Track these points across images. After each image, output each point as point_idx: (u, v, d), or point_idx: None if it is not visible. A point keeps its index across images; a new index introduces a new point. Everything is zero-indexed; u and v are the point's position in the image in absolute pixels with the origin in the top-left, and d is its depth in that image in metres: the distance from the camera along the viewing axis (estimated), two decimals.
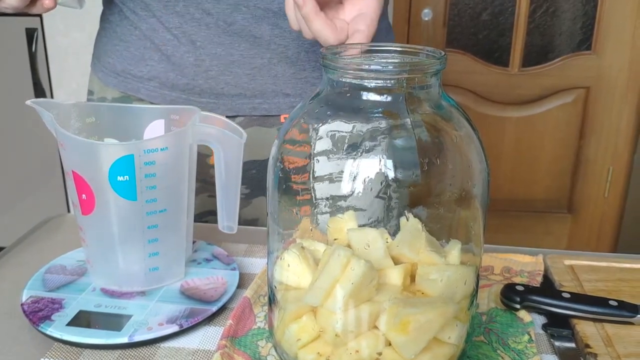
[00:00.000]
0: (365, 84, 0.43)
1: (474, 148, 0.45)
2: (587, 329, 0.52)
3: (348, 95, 0.44)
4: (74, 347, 0.50)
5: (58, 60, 1.94)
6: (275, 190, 0.46)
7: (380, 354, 0.42)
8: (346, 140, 0.43)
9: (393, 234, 0.46)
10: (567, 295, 0.55)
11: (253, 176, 0.79)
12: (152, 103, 0.77)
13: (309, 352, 0.44)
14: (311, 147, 0.44)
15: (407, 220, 0.44)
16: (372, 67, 0.43)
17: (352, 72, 0.43)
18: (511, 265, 0.64)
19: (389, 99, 0.43)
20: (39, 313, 0.53)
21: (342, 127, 0.44)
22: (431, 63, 0.43)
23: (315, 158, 0.44)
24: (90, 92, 0.83)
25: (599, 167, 2.22)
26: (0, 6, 0.62)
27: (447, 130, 0.45)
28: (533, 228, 2.30)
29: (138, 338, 0.50)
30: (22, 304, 0.54)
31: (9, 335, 0.52)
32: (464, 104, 2.14)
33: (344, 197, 0.43)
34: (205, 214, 0.82)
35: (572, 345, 0.52)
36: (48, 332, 0.51)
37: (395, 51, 0.48)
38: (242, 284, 0.60)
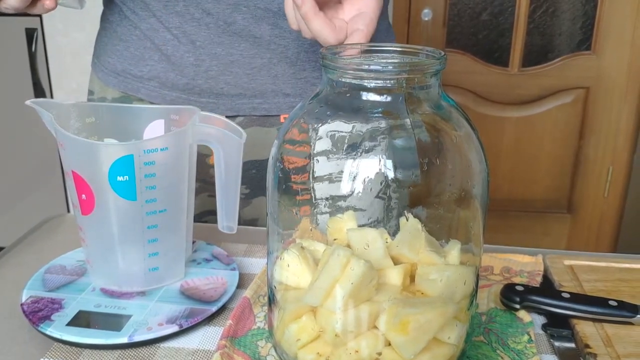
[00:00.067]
0: (365, 84, 0.43)
1: (474, 148, 0.45)
2: (586, 329, 0.52)
3: (348, 95, 0.44)
4: (73, 347, 0.50)
5: (58, 60, 1.94)
6: (275, 190, 0.46)
7: (379, 354, 0.43)
8: (346, 141, 0.43)
9: (393, 234, 0.46)
10: (567, 296, 0.55)
11: (253, 176, 0.79)
12: (152, 103, 0.77)
13: (308, 352, 0.44)
14: (311, 147, 0.44)
15: (407, 220, 0.44)
16: (372, 67, 0.43)
17: (351, 72, 0.43)
18: (511, 266, 0.64)
19: (389, 99, 0.43)
20: (38, 313, 0.53)
21: (341, 127, 0.44)
22: (431, 63, 0.43)
23: (315, 158, 0.44)
24: (90, 92, 0.83)
25: (598, 167, 2.22)
26: (1, 6, 0.62)
27: (447, 130, 0.45)
28: (532, 228, 2.31)
29: (138, 338, 0.50)
30: (21, 304, 0.54)
31: (9, 335, 0.52)
32: (463, 104, 2.14)
33: (344, 197, 0.44)
34: (205, 214, 0.82)
35: (572, 345, 0.52)
36: (48, 332, 0.51)
37: (395, 51, 0.48)
38: (241, 284, 0.60)
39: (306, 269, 0.46)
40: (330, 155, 0.43)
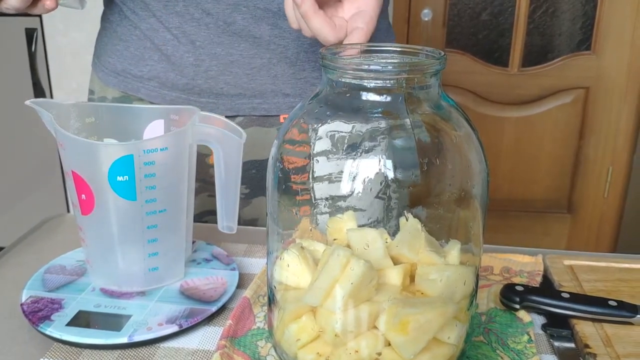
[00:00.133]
0: (365, 84, 0.43)
1: (474, 148, 0.45)
2: (586, 329, 0.52)
3: (347, 95, 0.44)
4: (73, 347, 0.50)
5: (57, 60, 1.94)
6: (274, 190, 0.46)
7: (379, 354, 0.43)
8: (346, 141, 0.43)
9: (392, 234, 0.46)
10: (567, 296, 0.55)
11: (253, 176, 0.79)
12: (151, 103, 0.77)
13: (308, 352, 0.44)
14: (311, 147, 0.44)
15: (407, 220, 0.44)
16: (372, 67, 0.43)
17: (351, 72, 0.43)
18: (510, 266, 0.64)
19: (389, 99, 0.43)
20: (38, 313, 0.53)
21: (341, 127, 0.44)
22: (431, 63, 0.43)
23: (314, 158, 0.44)
24: (90, 92, 0.84)
25: (598, 167, 2.22)
26: (2, 7, 0.62)
27: (447, 130, 0.45)
28: (532, 228, 2.31)
29: (137, 338, 0.50)
30: (21, 304, 0.54)
31: (9, 335, 0.52)
32: (463, 104, 2.14)
33: (344, 198, 0.44)
34: (205, 214, 0.82)
35: (572, 345, 0.52)
36: (47, 332, 0.51)
37: (394, 51, 0.48)
38: (241, 284, 0.60)
39: (306, 269, 0.46)
40: (330, 156, 0.43)
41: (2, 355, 0.50)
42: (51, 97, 1.97)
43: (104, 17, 0.81)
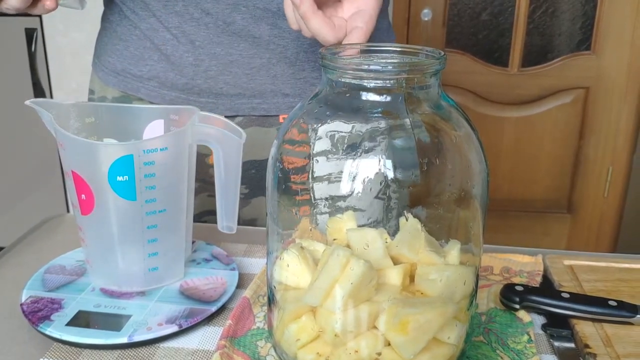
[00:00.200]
0: (365, 84, 0.43)
1: (474, 148, 0.45)
2: (586, 329, 0.52)
3: (347, 95, 0.44)
4: (73, 347, 0.50)
5: (57, 60, 1.94)
6: (274, 191, 0.46)
7: (379, 354, 0.43)
8: (345, 141, 0.43)
9: (392, 234, 0.46)
10: (567, 296, 0.55)
11: (252, 176, 0.79)
12: (151, 103, 0.77)
13: (308, 352, 0.44)
14: (310, 147, 0.44)
15: (407, 220, 0.44)
16: (372, 67, 0.43)
17: (351, 72, 0.43)
18: (510, 266, 0.64)
19: (389, 99, 0.43)
20: (38, 313, 0.53)
21: (341, 127, 0.44)
22: (430, 63, 0.43)
23: (314, 158, 0.44)
24: (91, 92, 0.84)
25: (598, 167, 2.22)
26: (2, 7, 0.62)
27: (447, 130, 0.45)
28: (532, 228, 2.31)
29: (137, 338, 0.50)
30: (21, 304, 0.54)
31: (8, 335, 0.52)
32: (463, 104, 2.14)
33: (343, 198, 0.44)
34: (205, 214, 0.82)
35: (572, 345, 0.52)
36: (47, 332, 0.51)
37: (394, 51, 0.48)
38: (241, 284, 0.60)
39: (306, 269, 0.46)
40: (329, 156, 0.43)
41: (2, 355, 0.50)
42: (51, 97, 1.97)
43: (104, 17, 0.81)
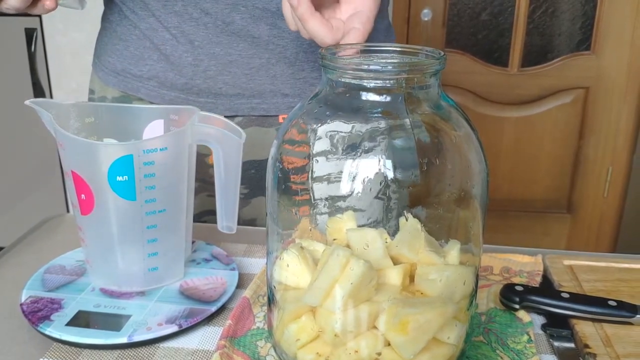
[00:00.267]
0: (365, 84, 0.43)
1: (473, 148, 0.45)
2: (586, 329, 0.52)
3: (347, 95, 0.44)
4: (73, 347, 0.50)
5: (57, 60, 1.94)
6: (274, 191, 0.46)
7: (379, 354, 0.43)
8: (345, 141, 0.43)
9: (392, 234, 0.46)
10: (566, 296, 0.55)
11: (252, 176, 0.79)
12: (151, 102, 0.77)
13: (308, 352, 0.44)
14: (310, 147, 0.44)
15: (407, 220, 0.44)
16: (371, 67, 0.43)
17: (351, 72, 0.43)
18: (510, 266, 0.64)
19: (388, 99, 0.43)
20: (38, 313, 0.53)
21: (341, 127, 0.44)
22: (430, 63, 0.43)
23: (314, 158, 0.44)
24: (91, 91, 0.84)
25: (598, 167, 2.22)
26: (2, 7, 0.62)
27: (446, 130, 0.45)
28: (532, 228, 2.31)
29: (137, 338, 0.50)
30: (21, 304, 0.54)
31: (8, 335, 0.52)
32: (463, 104, 2.14)
33: (343, 198, 0.43)
34: (204, 214, 0.82)
35: (571, 345, 0.52)
36: (47, 332, 0.50)
37: (394, 51, 0.48)
38: (241, 284, 0.60)
39: (305, 269, 0.46)
40: (329, 156, 0.43)
41: (2, 355, 0.50)
42: (51, 97, 1.97)
43: (104, 17, 0.81)
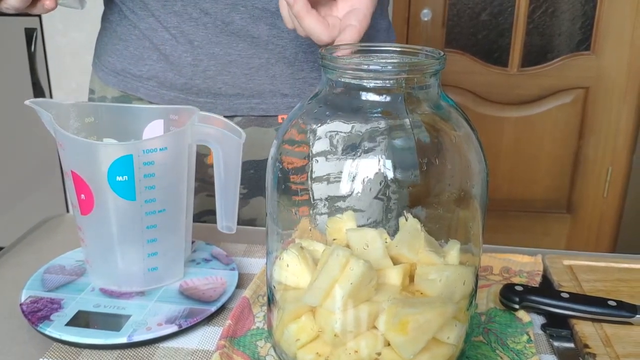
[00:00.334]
0: (364, 84, 0.43)
1: (473, 148, 0.45)
2: (585, 329, 0.52)
3: (347, 95, 0.44)
4: (72, 347, 0.50)
5: (57, 60, 1.94)
6: (274, 191, 0.46)
7: (379, 354, 0.43)
8: (345, 141, 0.43)
9: (392, 234, 0.46)
10: (566, 296, 0.55)
11: (251, 176, 0.79)
12: (150, 102, 0.77)
13: (307, 352, 0.44)
14: (310, 147, 0.44)
15: (406, 220, 0.44)
16: (371, 67, 0.43)
17: (351, 72, 0.43)
18: (510, 266, 0.64)
19: (388, 99, 0.43)
20: (37, 313, 0.53)
21: (341, 127, 0.44)
22: (430, 63, 0.43)
23: (314, 158, 0.44)
24: (91, 91, 0.84)
25: (598, 167, 2.22)
26: (1, 6, 0.62)
27: (446, 130, 0.45)
28: (532, 228, 2.31)
29: (137, 338, 0.50)
30: (21, 304, 0.54)
31: (8, 335, 0.52)
32: (462, 104, 2.14)
33: (343, 198, 0.43)
34: (204, 214, 0.82)
35: (571, 345, 0.52)
36: (47, 332, 0.50)
37: (394, 51, 0.48)
38: (241, 284, 0.60)
39: (305, 269, 0.46)
40: (329, 156, 0.43)
41: (2, 355, 0.50)
42: (50, 97, 1.97)
43: (104, 17, 0.81)
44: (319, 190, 0.44)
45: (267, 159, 0.47)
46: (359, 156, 0.42)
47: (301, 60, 0.75)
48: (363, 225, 0.46)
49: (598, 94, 2.14)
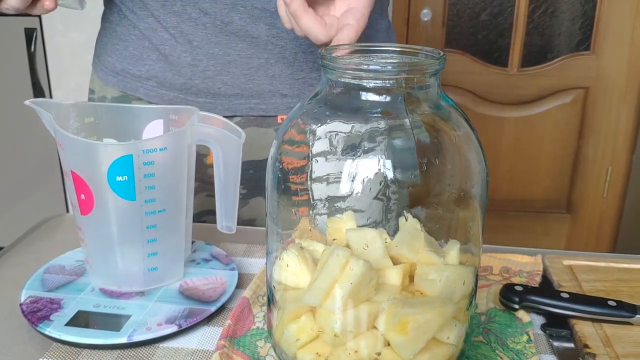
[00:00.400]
0: (364, 84, 0.43)
1: (473, 148, 0.45)
2: (585, 329, 0.52)
3: (347, 95, 0.44)
4: (72, 347, 0.50)
5: (57, 60, 1.94)
6: (274, 191, 0.46)
7: (379, 354, 0.43)
8: (345, 141, 0.43)
9: (392, 234, 0.46)
10: (566, 296, 0.55)
11: (250, 176, 0.79)
12: (150, 102, 0.77)
13: (307, 352, 0.44)
14: (309, 147, 0.44)
15: (406, 220, 0.44)
16: (371, 67, 0.43)
17: (350, 72, 0.43)
18: (510, 266, 0.64)
19: (388, 99, 0.43)
20: (37, 313, 0.53)
21: (340, 127, 0.44)
22: (430, 63, 0.43)
23: (313, 159, 0.44)
24: (91, 91, 0.84)
25: (597, 167, 2.22)
26: (1, 7, 0.62)
27: (446, 130, 0.45)
28: (532, 228, 2.31)
29: (137, 338, 0.50)
30: (20, 304, 0.54)
31: (8, 335, 0.52)
32: (462, 104, 2.14)
33: (343, 198, 0.43)
34: (204, 214, 0.82)
35: (571, 345, 0.52)
36: (47, 332, 0.50)
37: (394, 51, 0.48)
38: (241, 284, 0.60)
39: (305, 269, 0.46)
40: (329, 156, 0.43)
41: (2, 355, 0.50)
42: (50, 97, 1.97)
43: (104, 17, 0.81)
44: (319, 191, 0.44)
45: (267, 159, 0.47)
46: (359, 156, 0.42)
47: (301, 60, 0.74)
48: (363, 226, 0.46)
49: (598, 94, 2.14)
